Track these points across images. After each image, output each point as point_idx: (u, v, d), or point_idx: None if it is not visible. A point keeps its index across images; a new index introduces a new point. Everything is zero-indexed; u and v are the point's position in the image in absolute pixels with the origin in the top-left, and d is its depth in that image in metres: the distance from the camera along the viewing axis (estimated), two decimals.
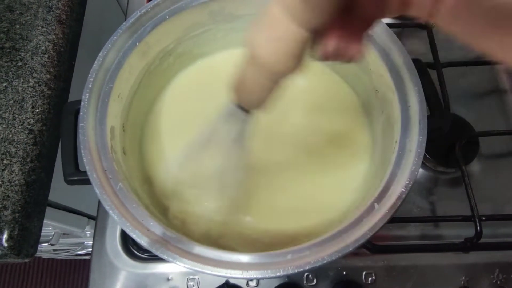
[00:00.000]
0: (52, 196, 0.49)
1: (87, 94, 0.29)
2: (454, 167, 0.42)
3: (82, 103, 0.29)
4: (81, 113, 0.28)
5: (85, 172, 0.27)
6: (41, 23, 0.50)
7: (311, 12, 0.17)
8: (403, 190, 0.26)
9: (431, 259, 0.39)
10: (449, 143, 0.42)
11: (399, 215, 0.40)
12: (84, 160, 0.27)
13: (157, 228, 0.26)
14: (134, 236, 0.25)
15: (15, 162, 0.42)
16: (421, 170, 0.44)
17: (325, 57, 0.19)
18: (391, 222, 0.40)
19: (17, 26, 0.51)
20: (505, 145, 0.46)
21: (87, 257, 1.01)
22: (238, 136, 0.26)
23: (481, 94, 0.48)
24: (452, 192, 0.43)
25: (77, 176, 0.29)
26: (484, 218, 0.38)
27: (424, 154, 0.42)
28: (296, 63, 0.19)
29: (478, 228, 0.37)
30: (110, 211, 0.25)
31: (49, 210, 0.55)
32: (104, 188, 0.26)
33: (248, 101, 0.24)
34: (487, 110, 0.47)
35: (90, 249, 0.41)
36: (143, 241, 0.25)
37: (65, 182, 0.30)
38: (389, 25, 0.50)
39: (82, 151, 0.27)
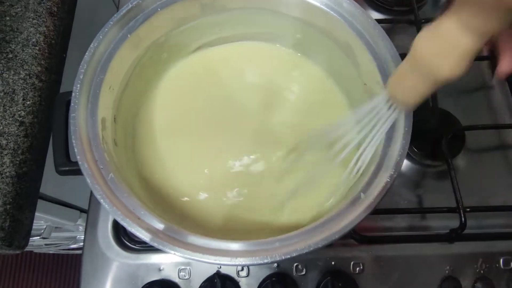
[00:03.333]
0: (44, 189, 0.49)
1: (78, 85, 0.29)
2: (441, 160, 0.43)
3: (73, 93, 0.29)
4: (72, 104, 0.29)
5: (76, 162, 0.28)
6: (32, 15, 0.50)
7: (483, 20, 0.19)
8: (388, 180, 0.27)
9: (417, 249, 0.40)
10: (436, 137, 0.43)
11: (386, 207, 0.42)
12: (75, 150, 0.27)
13: (147, 217, 0.26)
14: (125, 224, 0.25)
15: (6, 154, 0.42)
16: (408, 163, 0.45)
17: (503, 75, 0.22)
18: (379, 213, 0.41)
19: (7, 18, 0.51)
20: (490, 139, 0.47)
21: (79, 252, 1.01)
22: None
23: (468, 89, 0.49)
24: (439, 185, 0.44)
25: (69, 166, 0.30)
26: (468, 209, 0.39)
27: (412, 147, 0.44)
28: (463, 71, 0.21)
29: (463, 219, 0.38)
30: (101, 200, 0.26)
31: (41, 203, 0.55)
32: (95, 178, 0.26)
33: (401, 98, 0.26)
34: (474, 105, 0.48)
35: (82, 244, 0.41)
36: (133, 229, 0.25)
37: (56, 173, 0.30)
38: (379, 21, 0.51)
39: (74, 141, 0.27)
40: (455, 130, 0.43)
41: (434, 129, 0.42)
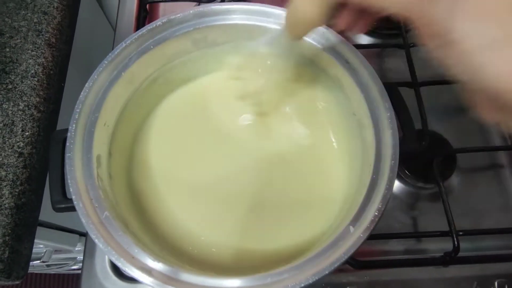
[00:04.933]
0: (42, 216, 0.49)
1: (74, 125, 0.30)
2: (433, 182, 0.44)
3: (69, 133, 0.30)
4: (67, 144, 0.29)
5: (72, 199, 0.28)
6: (30, 46, 0.51)
7: None
8: (376, 214, 0.27)
9: (413, 273, 0.41)
10: (427, 160, 0.44)
11: (380, 232, 0.42)
12: (71, 190, 0.28)
13: (141, 255, 0.27)
14: (119, 264, 0.26)
15: (5, 186, 0.43)
16: (401, 185, 0.46)
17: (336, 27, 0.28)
18: (373, 239, 0.41)
19: (7, 49, 0.52)
20: (482, 159, 0.47)
21: (80, 271, 1.00)
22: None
23: (459, 110, 0.50)
24: (433, 206, 0.45)
25: (65, 203, 0.30)
26: (461, 233, 0.39)
27: (404, 170, 0.45)
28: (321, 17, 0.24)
29: (456, 243, 0.39)
30: (96, 240, 0.26)
31: (39, 230, 0.56)
32: (90, 217, 0.27)
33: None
34: (465, 126, 0.49)
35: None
36: (127, 269, 0.26)
37: (53, 209, 0.31)
38: (368, 46, 0.52)
39: (69, 181, 0.28)
40: (446, 153, 0.44)
41: (424, 151, 0.43)
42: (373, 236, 0.40)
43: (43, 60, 0.51)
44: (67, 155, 0.29)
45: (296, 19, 0.25)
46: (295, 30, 0.27)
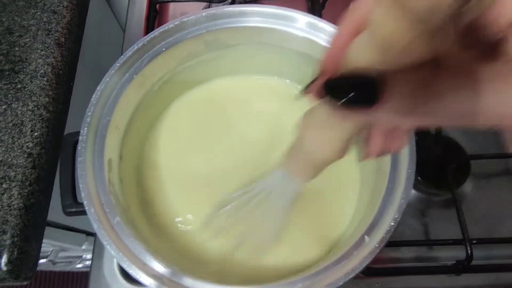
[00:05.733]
0: (49, 215, 0.49)
1: (85, 129, 0.30)
2: (447, 189, 0.43)
3: (80, 137, 0.29)
4: (79, 148, 0.29)
5: (82, 204, 0.28)
6: (40, 46, 0.51)
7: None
8: (392, 224, 0.27)
9: (424, 281, 0.40)
10: (441, 166, 0.43)
11: (392, 239, 0.41)
12: (82, 195, 0.28)
13: (152, 262, 0.26)
14: (130, 271, 0.25)
15: (14, 186, 0.43)
16: (414, 192, 0.45)
17: (370, 156, 0.21)
18: (385, 246, 0.41)
19: (16, 48, 0.52)
20: (497, 166, 0.46)
21: (85, 269, 1.01)
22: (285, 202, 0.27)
23: None
24: (445, 214, 0.44)
25: (75, 207, 0.30)
26: (474, 241, 0.38)
27: (417, 176, 0.44)
28: (341, 153, 0.21)
29: (469, 251, 0.38)
30: (108, 246, 0.26)
31: (46, 229, 0.56)
32: (102, 222, 0.27)
33: (294, 172, 0.25)
34: (479, 132, 0.48)
35: (88, 262, 0.41)
36: (139, 276, 0.25)
37: (63, 213, 0.31)
38: None
39: (80, 185, 0.28)
40: (460, 160, 0.43)
41: (438, 158, 0.42)
42: (387, 243, 0.40)
43: (53, 59, 0.51)
44: (78, 159, 0.29)
45: (307, 162, 0.22)
46: (306, 174, 0.23)
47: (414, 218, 0.44)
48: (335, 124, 0.19)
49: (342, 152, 0.20)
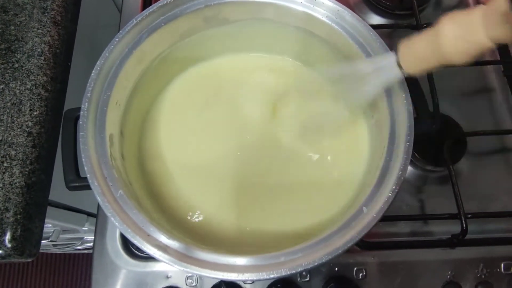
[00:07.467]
0: (51, 195, 0.50)
1: (86, 104, 0.30)
2: (443, 165, 0.44)
3: (82, 112, 0.30)
4: (80, 122, 0.29)
5: (86, 178, 0.29)
6: (36, 24, 0.50)
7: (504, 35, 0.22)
8: (390, 195, 0.27)
9: (419, 254, 0.41)
10: (437, 143, 0.43)
11: (388, 214, 0.42)
12: (85, 169, 0.28)
13: (156, 234, 0.27)
14: (135, 241, 0.26)
15: (15, 165, 0.43)
16: (410, 168, 0.45)
17: None
18: (381, 220, 0.41)
19: (12, 27, 0.51)
20: (492, 143, 0.47)
21: (86, 251, 1.02)
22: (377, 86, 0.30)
23: (470, 94, 0.49)
24: (441, 190, 0.45)
25: (78, 182, 0.30)
26: (469, 215, 0.39)
27: (413, 152, 0.44)
28: (467, 61, 0.24)
29: (464, 225, 0.39)
30: (112, 218, 0.26)
31: (48, 209, 0.56)
32: (105, 195, 0.27)
33: (408, 64, 0.28)
34: (476, 109, 0.48)
35: (89, 244, 0.42)
36: (143, 246, 0.26)
37: (66, 188, 0.31)
38: (380, 26, 0.51)
39: (83, 159, 0.28)
40: (456, 136, 0.44)
41: (435, 134, 0.43)
42: (383, 218, 0.40)
43: (49, 38, 0.50)
44: (80, 133, 0.29)
45: (430, 58, 0.25)
46: (416, 68, 0.27)
47: (410, 195, 0.45)
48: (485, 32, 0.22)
49: (470, 59, 0.24)
